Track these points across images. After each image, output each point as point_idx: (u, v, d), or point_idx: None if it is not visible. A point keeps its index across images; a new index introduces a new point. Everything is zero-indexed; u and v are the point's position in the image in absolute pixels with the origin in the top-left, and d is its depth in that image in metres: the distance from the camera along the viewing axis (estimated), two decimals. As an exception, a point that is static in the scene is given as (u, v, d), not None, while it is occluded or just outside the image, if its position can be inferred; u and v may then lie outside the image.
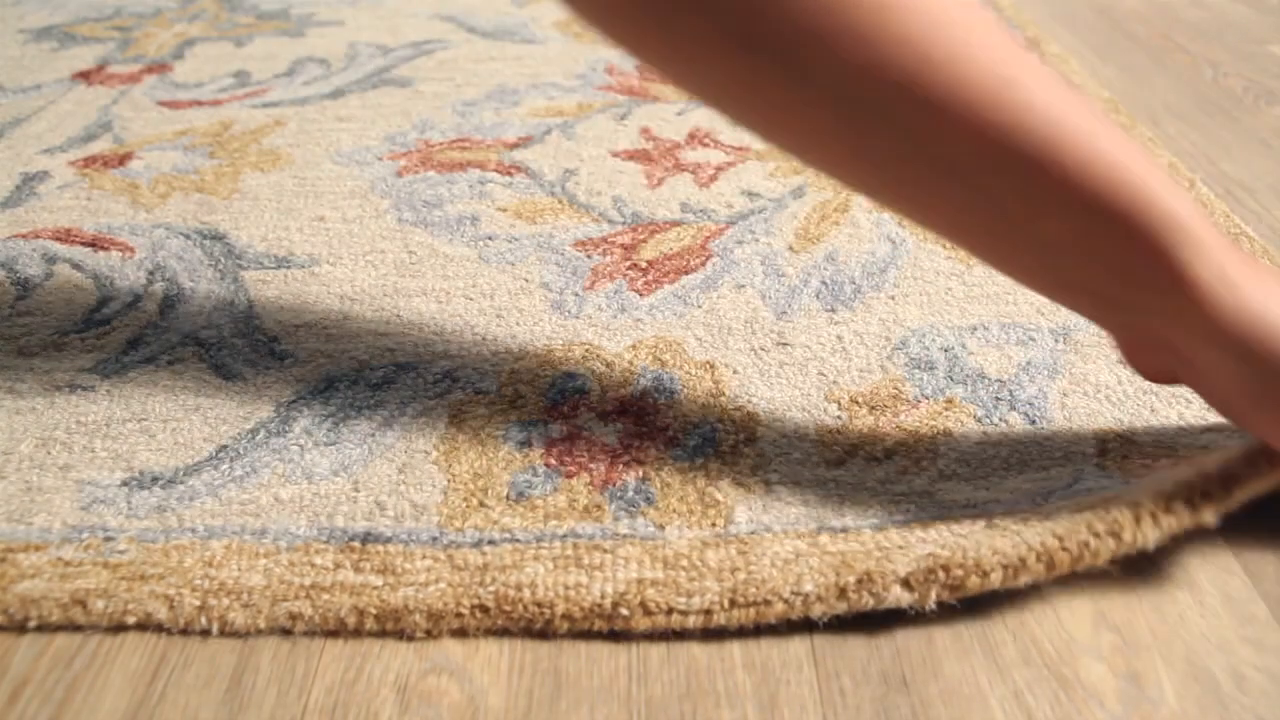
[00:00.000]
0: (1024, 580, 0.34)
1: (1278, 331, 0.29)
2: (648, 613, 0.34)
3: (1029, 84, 0.29)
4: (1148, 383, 0.45)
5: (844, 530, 0.37)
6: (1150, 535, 0.34)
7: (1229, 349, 0.31)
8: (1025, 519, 0.36)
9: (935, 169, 0.30)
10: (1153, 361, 0.35)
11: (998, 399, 0.44)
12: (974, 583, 0.34)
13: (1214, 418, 0.43)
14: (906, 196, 0.32)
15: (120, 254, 0.55)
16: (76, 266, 0.54)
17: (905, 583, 0.34)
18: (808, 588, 0.34)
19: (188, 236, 0.57)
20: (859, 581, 0.34)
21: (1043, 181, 0.29)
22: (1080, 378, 0.46)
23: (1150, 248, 0.29)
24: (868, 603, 0.34)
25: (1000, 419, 0.43)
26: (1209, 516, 0.35)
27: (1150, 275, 0.30)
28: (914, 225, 0.56)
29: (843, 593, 0.34)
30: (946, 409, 0.44)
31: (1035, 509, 0.37)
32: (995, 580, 0.34)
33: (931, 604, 0.34)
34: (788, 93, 0.29)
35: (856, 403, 0.44)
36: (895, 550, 0.35)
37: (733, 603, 0.34)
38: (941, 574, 0.34)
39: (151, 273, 0.54)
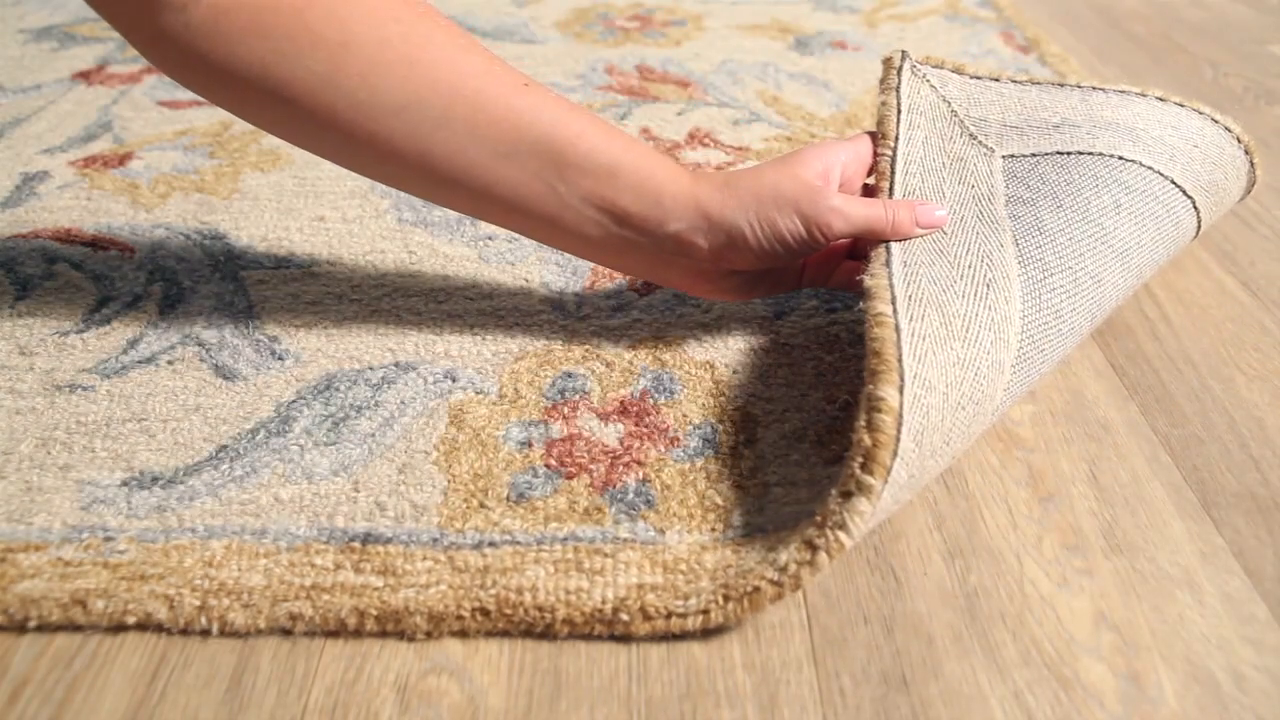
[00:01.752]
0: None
1: (730, 227, 0.41)
2: (647, 617, 0.34)
3: (534, 86, 0.41)
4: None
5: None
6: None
7: (683, 249, 0.42)
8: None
9: (485, 151, 0.40)
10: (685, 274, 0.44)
11: (998, 399, 0.44)
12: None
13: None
14: (469, 178, 0.41)
15: (120, 254, 0.55)
16: (76, 266, 0.54)
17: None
18: (783, 559, 0.34)
19: (188, 236, 0.57)
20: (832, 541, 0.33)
21: (555, 161, 0.40)
22: (1080, 378, 0.46)
23: (636, 195, 0.41)
24: (824, 561, 0.33)
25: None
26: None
27: (646, 215, 0.42)
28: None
29: (812, 550, 0.33)
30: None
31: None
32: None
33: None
34: (364, 131, 0.39)
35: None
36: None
37: (726, 597, 0.34)
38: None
39: (151, 273, 0.54)
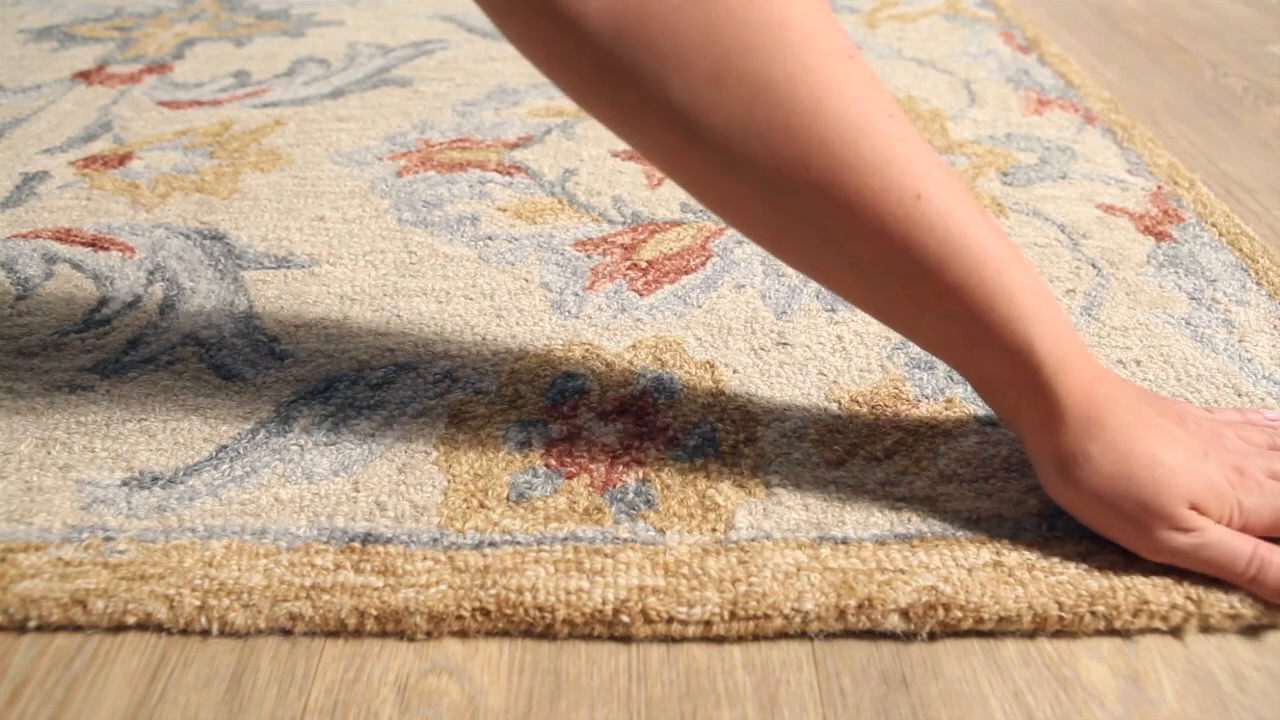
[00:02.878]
0: (1015, 628, 0.35)
1: (1083, 457, 0.35)
2: (648, 621, 0.34)
3: (935, 200, 0.32)
4: (1146, 383, 0.45)
5: (845, 542, 0.37)
6: (1137, 624, 0.35)
7: (1040, 436, 0.36)
8: (1032, 567, 0.36)
9: (842, 261, 0.34)
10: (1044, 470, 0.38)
11: (998, 399, 0.44)
12: (969, 624, 0.34)
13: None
14: (819, 276, 0.36)
15: (120, 254, 0.55)
16: (76, 266, 0.54)
17: (904, 613, 0.34)
18: (808, 606, 0.34)
19: (188, 236, 0.57)
20: (859, 606, 0.34)
21: (929, 289, 0.33)
22: (1080, 378, 0.46)
23: (1009, 360, 0.34)
24: (864, 625, 0.34)
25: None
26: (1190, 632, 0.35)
27: (1007, 379, 0.35)
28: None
29: (841, 614, 0.34)
30: (946, 409, 0.44)
31: (1044, 546, 0.37)
32: (989, 626, 0.34)
33: (924, 634, 0.35)
34: (724, 179, 0.32)
35: (856, 403, 0.44)
36: (896, 576, 0.35)
37: (733, 615, 0.34)
38: (940, 611, 0.34)
39: (151, 273, 0.54)
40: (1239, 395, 0.45)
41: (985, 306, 0.33)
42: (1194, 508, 0.34)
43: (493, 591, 0.35)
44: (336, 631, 0.35)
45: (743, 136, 0.30)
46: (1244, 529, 0.35)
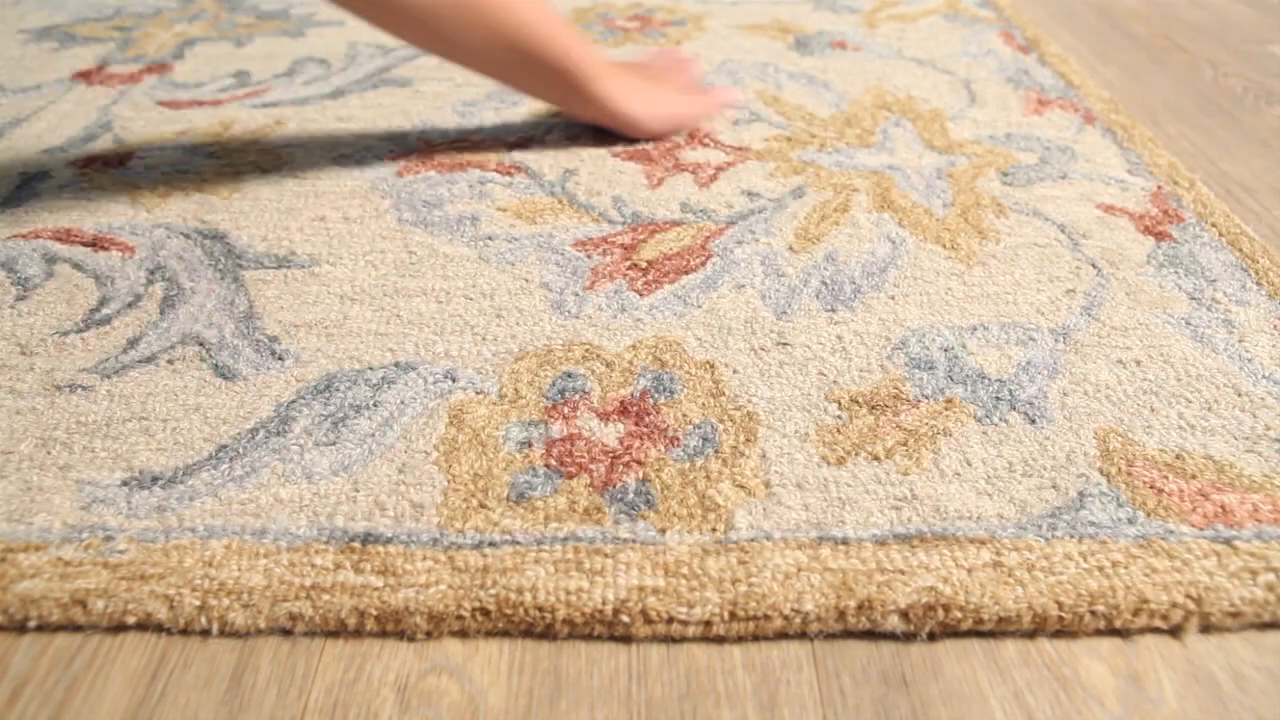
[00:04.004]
0: (1015, 628, 0.35)
1: (625, 114, 0.66)
2: (648, 621, 0.34)
3: (558, 28, 0.60)
4: (1146, 383, 0.45)
5: (845, 542, 0.37)
6: (1137, 624, 0.35)
7: (615, 117, 0.67)
8: (1032, 567, 0.36)
9: (476, 56, 0.59)
10: (587, 119, 0.69)
11: (997, 399, 0.44)
12: (969, 625, 0.34)
13: (1212, 420, 0.43)
14: (465, 63, 0.60)
15: (120, 254, 0.55)
16: (76, 266, 0.54)
17: (904, 614, 0.34)
18: (808, 607, 0.34)
19: (188, 236, 0.57)
20: (859, 607, 0.34)
21: (523, 57, 0.60)
22: (1080, 378, 0.46)
23: (579, 84, 0.63)
24: (864, 626, 0.34)
25: (1000, 419, 0.43)
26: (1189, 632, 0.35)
27: (583, 94, 0.64)
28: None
29: (841, 615, 0.34)
30: (946, 409, 0.44)
31: (1044, 547, 0.37)
32: (989, 627, 0.34)
33: (924, 634, 0.35)
34: (445, 48, 0.58)
35: (856, 403, 0.44)
36: (896, 576, 0.35)
37: (733, 615, 0.34)
38: (940, 612, 0.34)
39: (151, 273, 0.54)
40: (1239, 395, 0.45)
41: (561, 52, 0.60)
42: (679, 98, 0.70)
43: (493, 591, 0.35)
44: (336, 631, 0.35)
45: (467, 31, 0.57)
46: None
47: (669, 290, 0.52)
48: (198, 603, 0.35)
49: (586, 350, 0.47)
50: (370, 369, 0.46)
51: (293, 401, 0.44)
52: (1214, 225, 0.58)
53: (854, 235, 0.57)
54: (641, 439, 0.42)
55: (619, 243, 0.56)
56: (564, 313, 0.50)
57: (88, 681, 0.33)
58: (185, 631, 0.35)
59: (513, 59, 0.59)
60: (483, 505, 0.39)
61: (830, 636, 0.35)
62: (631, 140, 0.68)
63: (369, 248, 0.56)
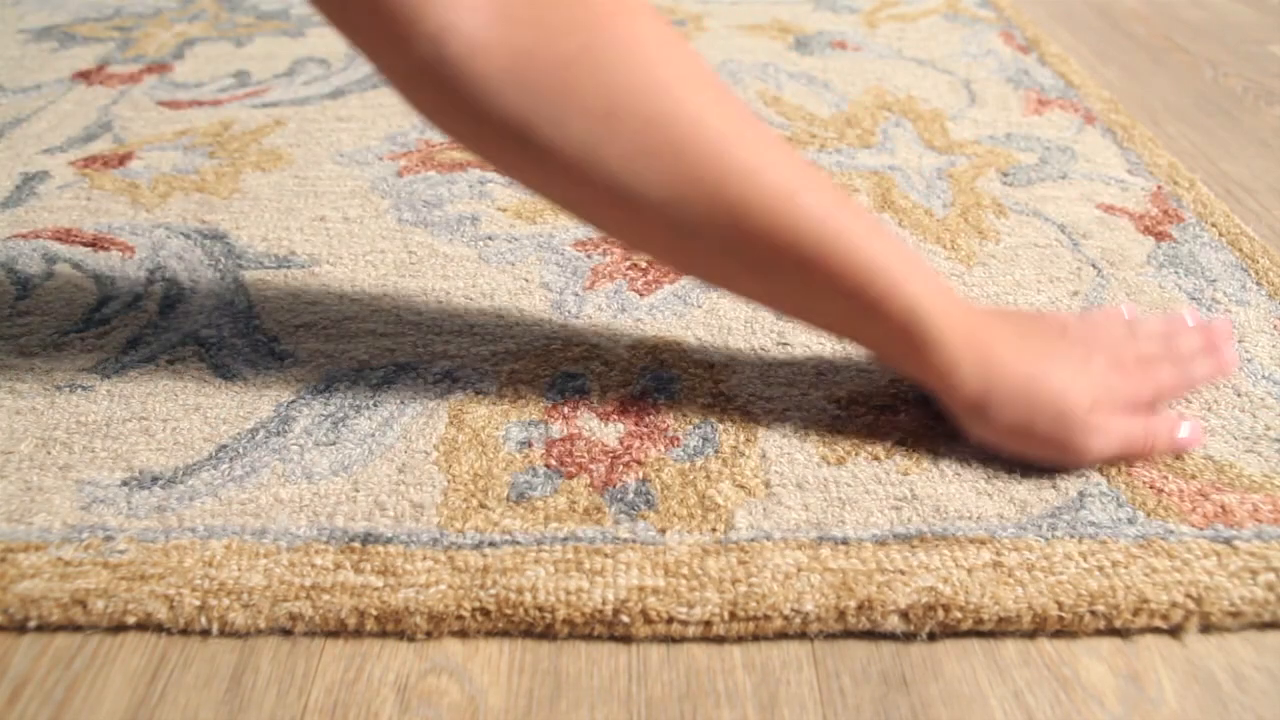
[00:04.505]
0: (1015, 628, 0.35)
1: (965, 389, 0.39)
2: (648, 621, 0.34)
3: (808, 195, 0.36)
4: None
5: (845, 542, 0.37)
6: (1137, 624, 0.35)
7: (944, 389, 0.41)
8: (1031, 567, 0.36)
9: (739, 265, 0.38)
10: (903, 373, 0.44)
11: (998, 399, 0.44)
12: (969, 625, 0.34)
13: (1212, 420, 0.43)
14: (725, 283, 0.40)
15: (120, 254, 0.55)
16: (76, 266, 0.54)
17: (904, 614, 0.34)
18: (808, 607, 0.34)
19: (188, 236, 0.57)
20: (858, 607, 0.34)
21: (817, 276, 0.37)
22: (1080, 378, 0.46)
23: (897, 326, 0.38)
24: (864, 626, 0.34)
25: (1000, 419, 0.43)
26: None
27: (900, 344, 0.39)
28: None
29: (841, 615, 0.34)
30: (946, 409, 0.44)
31: (1044, 547, 0.36)
32: (989, 627, 0.34)
33: (924, 634, 0.35)
34: (626, 208, 0.36)
35: (856, 403, 0.44)
36: (896, 576, 0.35)
37: (733, 615, 0.34)
38: (940, 612, 0.34)
39: (151, 273, 0.54)
40: (1239, 395, 0.45)
41: (866, 281, 0.37)
42: (1093, 408, 0.39)
43: (493, 591, 0.35)
44: (336, 631, 0.35)
45: (640, 164, 0.34)
46: (1131, 410, 0.40)
47: (669, 290, 0.52)
48: (198, 603, 0.35)
49: (586, 350, 0.47)
50: (370, 369, 0.46)
51: (293, 401, 0.44)
52: (1214, 225, 0.58)
53: (854, 235, 0.57)
54: (641, 439, 0.42)
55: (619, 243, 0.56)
56: (564, 313, 0.50)
57: (88, 681, 0.33)
58: (185, 631, 0.35)
59: (791, 280, 0.38)
60: (483, 505, 0.39)
61: (830, 636, 0.35)
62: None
63: (369, 248, 0.56)
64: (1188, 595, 0.35)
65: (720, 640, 0.35)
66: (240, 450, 0.41)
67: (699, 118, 0.35)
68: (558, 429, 0.43)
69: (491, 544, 0.37)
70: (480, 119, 0.34)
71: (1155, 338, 0.43)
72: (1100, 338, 0.42)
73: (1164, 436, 0.40)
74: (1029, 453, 0.40)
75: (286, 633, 0.35)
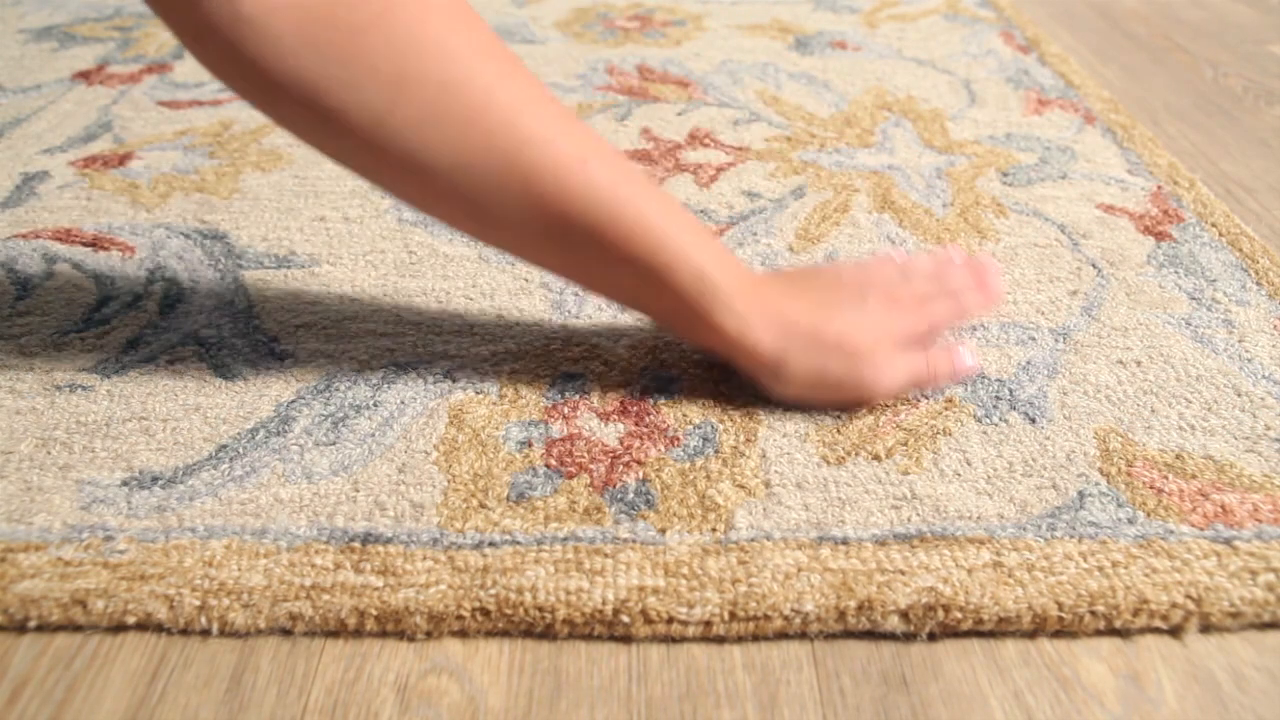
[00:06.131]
0: (1015, 629, 0.35)
1: (747, 345, 0.41)
2: (648, 621, 0.34)
3: (599, 164, 0.38)
4: (1147, 383, 0.45)
5: (845, 542, 0.37)
6: (1137, 624, 0.35)
7: (739, 353, 0.42)
8: (1031, 567, 0.36)
9: (537, 232, 0.39)
10: (697, 345, 0.46)
11: (997, 399, 0.44)
12: (969, 625, 0.34)
13: (1212, 420, 0.43)
14: (524, 251, 0.41)
15: (120, 254, 0.55)
16: (76, 266, 0.54)
17: (904, 615, 0.34)
18: (808, 607, 0.34)
19: (188, 236, 0.57)
20: (858, 607, 0.34)
21: (608, 244, 0.39)
22: (1080, 377, 0.46)
23: (689, 294, 0.40)
24: (864, 626, 0.34)
25: (1000, 419, 0.43)
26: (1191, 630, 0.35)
27: (692, 312, 0.41)
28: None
29: (841, 615, 0.34)
30: (946, 409, 0.44)
31: (1044, 547, 0.36)
32: (989, 627, 0.34)
33: (924, 634, 0.35)
34: (419, 174, 0.37)
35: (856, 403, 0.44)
36: (896, 577, 0.35)
37: (733, 615, 0.34)
38: (940, 612, 0.34)
39: (151, 273, 0.54)
40: (1239, 395, 0.45)
41: (656, 246, 0.39)
42: (875, 347, 0.41)
43: (493, 591, 0.35)
44: (336, 631, 0.35)
45: (431, 131, 0.35)
46: (912, 344, 0.43)
47: (669, 290, 0.52)
48: (198, 603, 0.35)
49: (586, 350, 0.47)
50: (370, 369, 0.46)
51: (293, 401, 0.44)
52: (1214, 225, 0.58)
53: (854, 235, 0.57)
54: (641, 439, 0.42)
55: (619, 243, 0.56)
56: (564, 313, 0.50)
57: (88, 681, 0.33)
58: (185, 631, 0.35)
59: (582, 248, 0.39)
60: (483, 505, 0.39)
61: (830, 636, 0.35)
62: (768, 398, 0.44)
63: (369, 248, 0.56)
64: (1188, 595, 0.35)
65: (720, 640, 0.35)
66: (240, 450, 0.41)
67: (490, 87, 0.36)
68: (558, 429, 0.43)
69: (491, 544, 0.37)
70: (271, 80, 0.34)
71: (926, 276, 0.45)
72: (874, 281, 0.44)
73: (945, 365, 0.43)
74: (829, 399, 0.42)
75: (286, 633, 0.35)
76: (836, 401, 0.42)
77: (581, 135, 0.38)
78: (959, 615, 0.34)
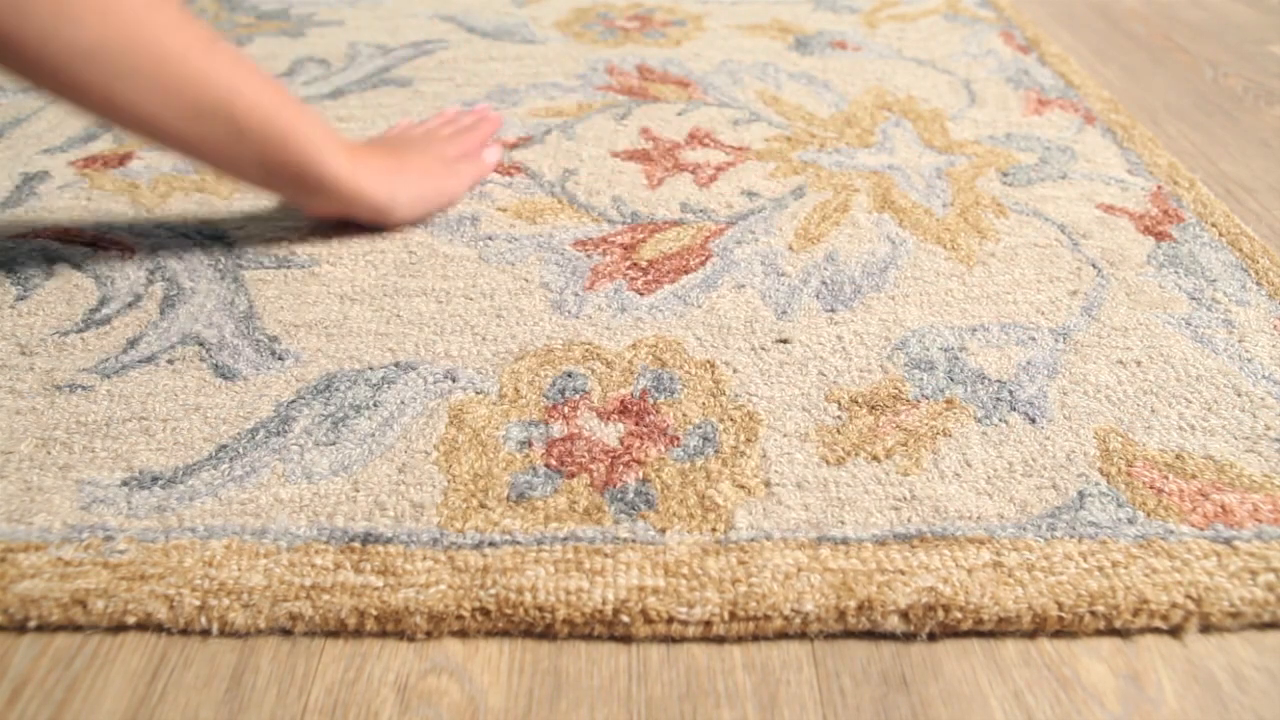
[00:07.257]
0: (1015, 629, 0.35)
1: (366, 197, 0.54)
2: (648, 621, 0.34)
3: (221, 50, 0.46)
4: (1147, 383, 0.45)
5: (845, 542, 0.37)
6: (1137, 624, 0.35)
7: (357, 204, 0.54)
8: (1031, 567, 0.36)
9: (172, 113, 0.45)
10: (323, 211, 0.56)
11: (997, 399, 0.44)
12: (969, 625, 0.34)
13: (1212, 420, 0.43)
14: (170, 139, 0.47)
15: (120, 254, 0.55)
16: (76, 266, 0.54)
17: (903, 614, 0.34)
18: (808, 607, 0.34)
19: (188, 236, 0.57)
20: (858, 607, 0.34)
21: (226, 117, 0.46)
22: (1080, 378, 0.46)
23: (308, 160, 0.50)
24: (864, 626, 0.34)
25: (1000, 419, 0.43)
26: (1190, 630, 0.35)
27: (312, 179, 0.51)
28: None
29: (841, 615, 0.34)
30: (946, 409, 0.44)
31: (1044, 547, 0.36)
32: (989, 627, 0.34)
33: (924, 634, 0.35)
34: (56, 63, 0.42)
35: (856, 403, 0.44)
36: (896, 577, 0.35)
37: (733, 615, 0.34)
38: (940, 612, 0.34)
39: (151, 273, 0.54)
40: (1239, 395, 0.45)
41: (270, 117, 0.48)
42: (442, 164, 0.59)
43: (493, 591, 0.35)
44: (336, 631, 0.35)
45: (98, 46, 0.41)
46: (460, 160, 0.61)
47: (669, 290, 0.52)
48: (198, 603, 0.35)
49: (586, 350, 0.47)
50: (370, 369, 0.46)
51: (293, 401, 0.44)
52: (1214, 225, 0.58)
53: (854, 235, 0.57)
54: (641, 439, 0.42)
55: (619, 242, 0.56)
56: (564, 312, 0.50)
57: (88, 681, 0.33)
58: (185, 631, 0.35)
59: (209, 129, 0.46)
60: (483, 505, 0.39)
61: (830, 636, 0.35)
62: (376, 229, 0.57)
63: (369, 248, 0.56)
64: (1188, 595, 0.35)
65: (720, 640, 0.35)
66: (240, 450, 0.41)
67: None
68: (558, 429, 0.43)
69: (491, 544, 0.37)
70: None
71: (443, 124, 0.65)
72: (413, 139, 0.62)
73: (484, 162, 0.63)
74: (429, 210, 0.58)
75: (286, 633, 0.35)
76: (436, 209, 0.58)
77: (209, 33, 0.46)
78: (959, 615, 0.34)
